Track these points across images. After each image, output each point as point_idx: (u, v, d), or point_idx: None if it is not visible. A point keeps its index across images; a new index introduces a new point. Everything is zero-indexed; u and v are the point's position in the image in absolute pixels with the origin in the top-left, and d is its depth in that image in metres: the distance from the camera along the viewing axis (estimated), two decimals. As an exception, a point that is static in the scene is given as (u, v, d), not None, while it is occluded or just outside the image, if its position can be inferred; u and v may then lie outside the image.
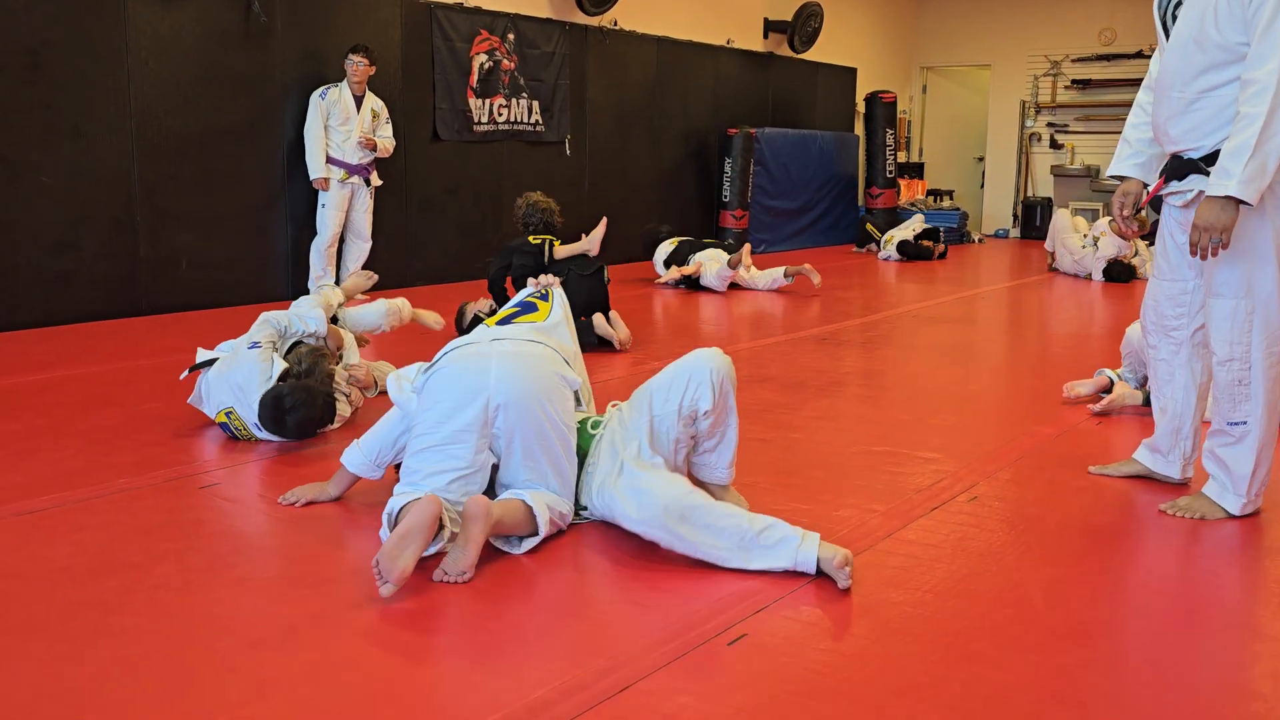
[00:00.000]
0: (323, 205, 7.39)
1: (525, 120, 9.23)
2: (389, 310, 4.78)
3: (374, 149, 7.45)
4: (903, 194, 13.72)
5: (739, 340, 6.33)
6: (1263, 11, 2.76)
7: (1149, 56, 13.29)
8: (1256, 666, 2.25)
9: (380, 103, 7.57)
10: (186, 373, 4.13)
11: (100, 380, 4.94)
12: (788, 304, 7.95)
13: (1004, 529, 3.07)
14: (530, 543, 2.83)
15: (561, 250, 5.96)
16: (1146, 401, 4.07)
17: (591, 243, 5.98)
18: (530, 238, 6.09)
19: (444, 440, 2.82)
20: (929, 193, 14.32)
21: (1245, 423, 3.05)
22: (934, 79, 15.49)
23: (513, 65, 9.05)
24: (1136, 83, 13.52)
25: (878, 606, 2.52)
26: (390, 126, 7.61)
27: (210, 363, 3.99)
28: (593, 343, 5.63)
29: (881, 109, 13.21)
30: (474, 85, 8.73)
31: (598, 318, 5.76)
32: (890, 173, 13.25)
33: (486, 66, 8.82)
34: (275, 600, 2.56)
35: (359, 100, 7.40)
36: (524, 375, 2.89)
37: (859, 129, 13.78)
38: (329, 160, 7.33)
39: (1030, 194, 14.54)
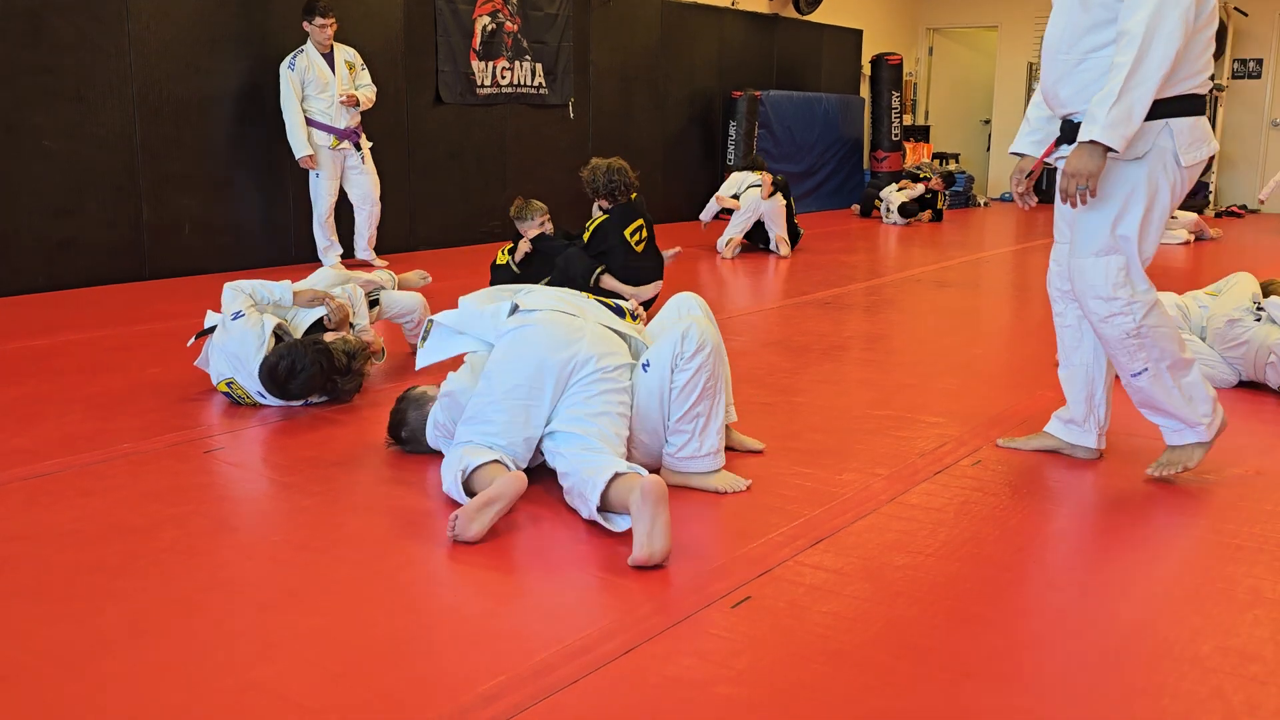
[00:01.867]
0: (316, 175, 7.17)
1: (528, 83, 9.16)
2: (423, 307, 4.72)
3: (357, 104, 7.13)
4: (908, 157, 13.64)
5: (743, 305, 6.31)
6: None
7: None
8: (1257, 630, 2.26)
9: (351, 51, 7.24)
10: (193, 339, 4.13)
11: (103, 345, 4.94)
12: (791, 269, 7.92)
13: (1007, 493, 3.07)
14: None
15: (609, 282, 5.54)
16: None
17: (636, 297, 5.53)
18: (627, 231, 5.58)
19: (526, 398, 2.92)
20: (934, 156, 14.24)
21: (1146, 369, 3.01)
22: (940, 41, 15.35)
23: (515, 27, 8.98)
24: (1145, 44, 13.48)
25: (881, 570, 2.53)
26: (367, 73, 7.28)
27: (214, 329, 4.00)
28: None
29: (887, 71, 13.11)
30: (477, 48, 8.66)
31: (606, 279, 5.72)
32: (896, 136, 13.16)
33: (489, 29, 8.75)
34: (279, 564, 2.58)
35: (329, 58, 7.07)
36: (609, 348, 3.00)
37: (864, 92, 13.68)
38: (317, 127, 7.06)
39: (1037, 157, 14.44)
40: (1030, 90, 14.38)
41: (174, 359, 4.49)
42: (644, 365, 3.00)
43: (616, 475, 2.67)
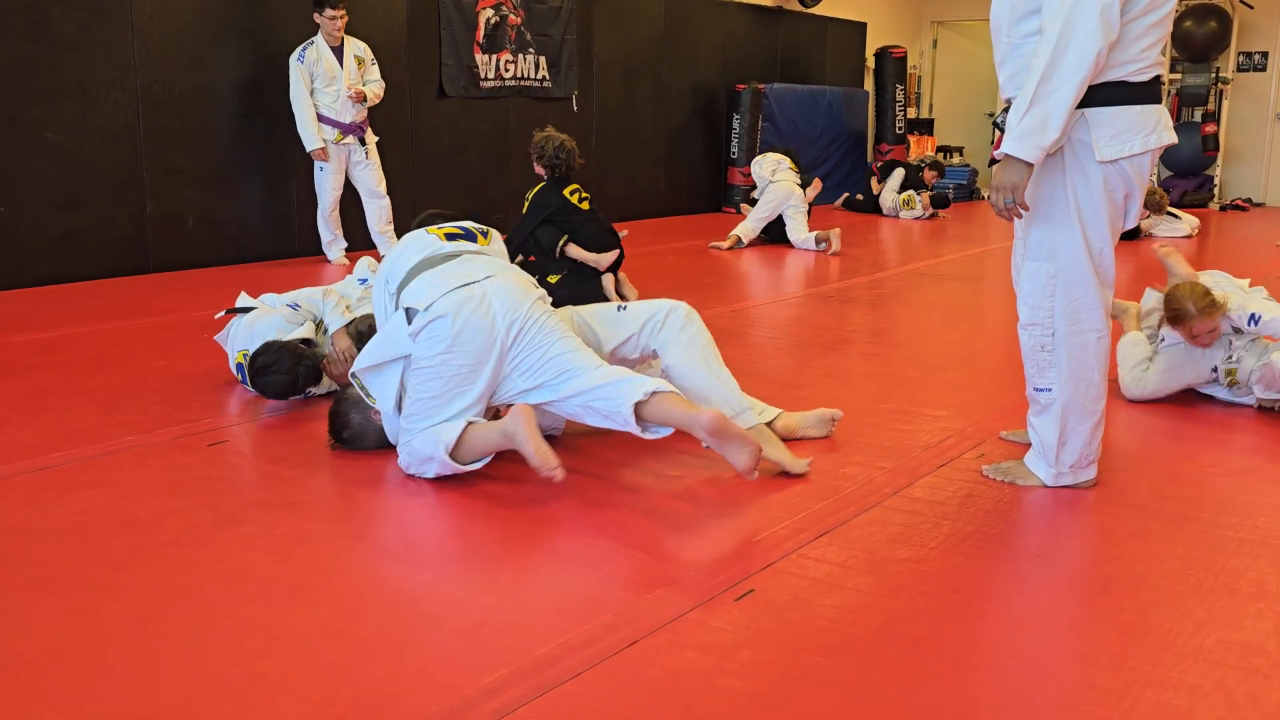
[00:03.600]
0: (320, 169, 7.05)
1: (532, 76, 9.15)
2: None
3: (364, 100, 7.01)
4: (912, 150, 13.61)
5: (746, 299, 6.31)
6: None
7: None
8: (1260, 624, 2.26)
9: (362, 46, 7.09)
10: (222, 313, 4.11)
11: (107, 338, 4.94)
12: (795, 262, 7.91)
13: (1011, 486, 3.07)
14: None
15: (574, 251, 5.72)
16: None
17: (600, 261, 5.74)
18: (565, 190, 5.74)
19: (465, 382, 2.98)
20: (939, 149, 14.21)
21: (1050, 390, 2.89)
22: (945, 33, 15.32)
23: (519, 20, 8.96)
24: (1150, 37, 13.44)
25: (884, 563, 2.53)
26: (377, 68, 7.15)
27: (247, 310, 4.02)
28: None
29: (891, 64, 13.07)
30: (480, 40, 8.65)
31: (607, 279, 5.74)
32: (900, 129, 13.13)
33: (493, 21, 8.73)
34: (283, 557, 2.58)
35: (339, 52, 6.94)
36: (519, 299, 3.06)
37: (869, 84, 13.65)
38: (323, 121, 6.94)
39: (1041, 150, 14.40)
40: (1035, 83, 14.34)
41: (178, 352, 4.49)
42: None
43: (653, 394, 2.86)
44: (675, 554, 2.55)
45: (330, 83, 6.93)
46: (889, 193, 11.23)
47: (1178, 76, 12.96)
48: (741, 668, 2.06)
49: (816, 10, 12.76)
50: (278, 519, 2.84)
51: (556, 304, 3.29)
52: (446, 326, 2.95)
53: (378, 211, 7.32)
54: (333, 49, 6.96)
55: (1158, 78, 2.72)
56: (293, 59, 6.92)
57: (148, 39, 6.65)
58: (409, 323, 3.00)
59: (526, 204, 5.82)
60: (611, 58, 10.01)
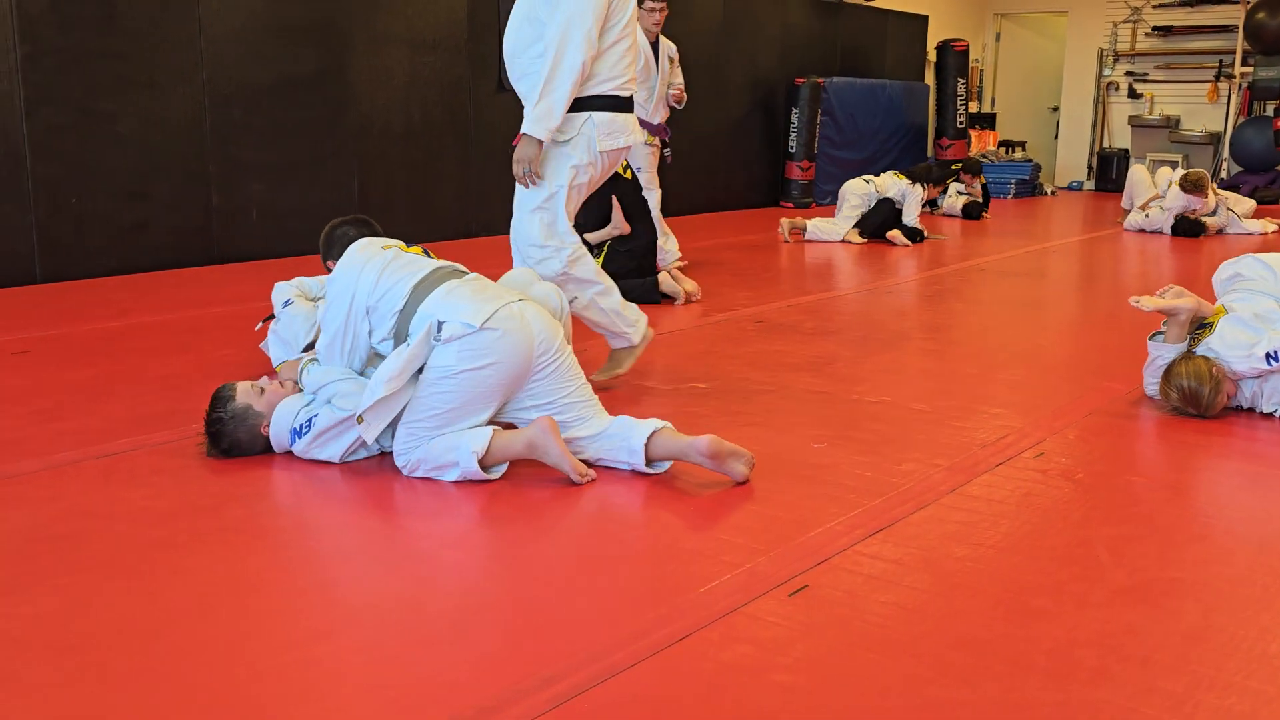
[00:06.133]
0: (639, 169, 6.27)
1: (590, 70, 9.15)
2: None
3: (681, 103, 6.59)
4: (973, 145, 13.45)
5: (804, 293, 6.28)
6: None
7: (1236, 1, 12.85)
8: (1330, 629, 2.20)
9: (673, 46, 6.62)
10: (261, 324, 4.20)
11: (174, 327, 5.05)
12: (853, 257, 7.86)
13: (1070, 486, 3.03)
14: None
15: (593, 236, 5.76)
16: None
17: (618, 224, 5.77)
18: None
19: (488, 398, 2.99)
20: (1000, 144, 14.02)
21: (577, 299, 3.81)
22: (1008, 26, 15.10)
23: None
24: (1222, 29, 13.17)
25: (940, 561, 2.51)
26: (681, 71, 6.67)
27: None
28: (655, 300, 5.65)
29: (953, 58, 12.93)
30: (539, 34, 8.66)
31: (663, 276, 5.74)
32: (961, 123, 12.98)
33: (552, 15, 8.74)
34: (343, 543, 2.62)
35: (656, 49, 6.43)
36: (554, 329, 3.11)
37: (929, 78, 13.50)
38: None
39: (1106, 145, 14.17)
40: (1101, 76, 14.10)
41: (244, 341, 4.57)
42: None
43: (654, 432, 2.99)
44: (728, 548, 2.55)
45: (645, 79, 6.38)
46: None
47: (1249, 70, 12.67)
48: (794, 663, 2.05)
49: (877, 3, 12.65)
50: (336, 507, 2.88)
51: None
52: (493, 341, 2.90)
53: (653, 202, 6.48)
54: (651, 45, 6.45)
55: (631, 96, 3.77)
56: None
57: (214, 34, 6.77)
58: (438, 332, 2.92)
59: None
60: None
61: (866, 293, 6.35)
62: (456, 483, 2.96)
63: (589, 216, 5.70)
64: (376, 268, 3.06)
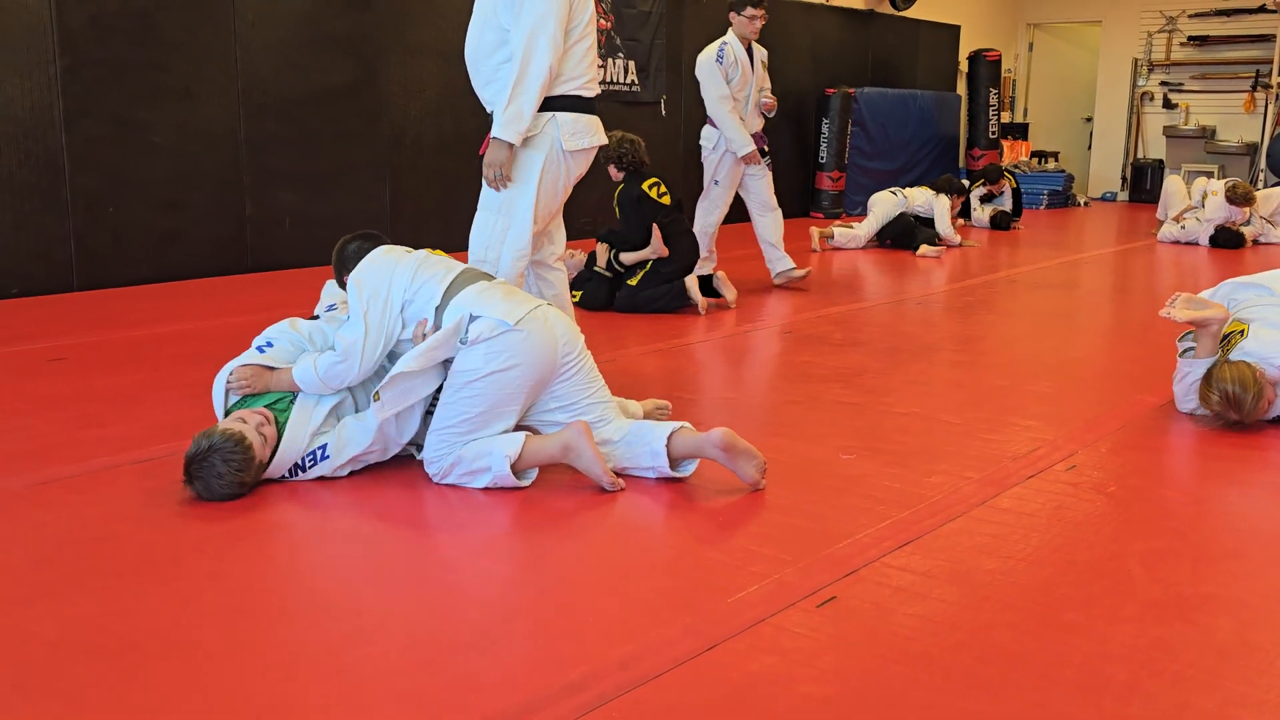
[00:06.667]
0: (715, 182, 6.51)
1: (621, 80, 9.20)
2: None
3: (771, 112, 6.54)
4: (1005, 155, 13.38)
5: (833, 304, 6.27)
6: None
7: (1273, 11, 12.72)
8: (1366, 646, 2.18)
9: (764, 52, 6.60)
10: None
11: (208, 335, 5.10)
12: (883, 267, 7.83)
13: (1102, 499, 3.01)
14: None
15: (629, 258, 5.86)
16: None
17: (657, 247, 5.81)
18: (644, 184, 5.86)
19: (512, 401, 3.03)
20: (1033, 154, 13.94)
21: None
22: (1041, 36, 15.02)
23: (609, 25, 9.02)
24: (1258, 39, 13.03)
25: (969, 573, 2.50)
26: (768, 77, 6.62)
27: None
28: (679, 307, 5.70)
29: (985, 68, 12.87)
30: (571, 45, 8.71)
31: (689, 280, 5.77)
32: (993, 133, 12.92)
33: (583, 26, 8.79)
34: (376, 549, 2.64)
35: (750, 54, 6.43)
36: (575, 333, 3.19)
37: (961, 88, 13.45)
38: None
39: (1140, 156, 14.05)
40: (1135, 86, 13.99)
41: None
42: None
43: (671, 434, 3.01)
44: (755, 559, 2.55)
45: (743, 86, 6.43)
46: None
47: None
48: (821, 674, 2.05)
49: (909, 13, 12.62)
50: (367, 513, 2.91)
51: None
52: (519, 342, 2.95)
53: (772, 224, 6.67)
54: (746, 50, 6.47)
55: (594, 98, 3.77)
56: (711, 60, 6.40)
57: (249, 44, 6.85)
58: (466, 330, 2.95)
59: (618, 209, 5.92)
60: (701, 62, 10.00)
61: (896, 304, 6.33)
62: (485, 491, 2.98)
63: (630, 238, 5.82)
64: (410, 266, 3.12)
